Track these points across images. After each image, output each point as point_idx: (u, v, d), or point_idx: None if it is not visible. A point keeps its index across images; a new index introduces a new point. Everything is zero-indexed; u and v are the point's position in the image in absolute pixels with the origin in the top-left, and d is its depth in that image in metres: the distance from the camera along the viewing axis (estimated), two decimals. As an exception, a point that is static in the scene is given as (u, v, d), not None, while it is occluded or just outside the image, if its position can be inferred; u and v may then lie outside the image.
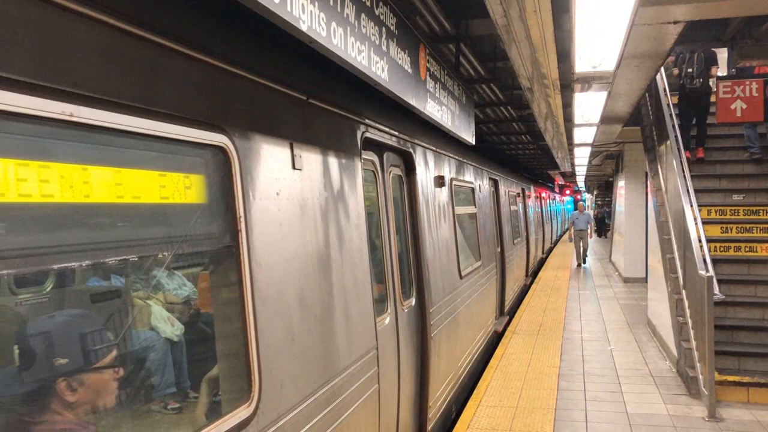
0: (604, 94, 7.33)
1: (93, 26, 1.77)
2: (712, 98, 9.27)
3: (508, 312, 10.95)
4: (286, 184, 2.84)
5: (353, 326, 3.51)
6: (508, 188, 12.31)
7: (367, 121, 4.01)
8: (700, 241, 6.71)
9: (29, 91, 1.54)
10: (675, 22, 4.85)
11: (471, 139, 6.50)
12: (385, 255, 4.41)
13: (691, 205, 7.20)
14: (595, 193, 44.20)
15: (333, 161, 3.43)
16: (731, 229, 8.27)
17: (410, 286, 5.03)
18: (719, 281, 6.61)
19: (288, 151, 2.88)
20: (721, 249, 7.97)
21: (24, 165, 1.56)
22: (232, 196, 2.39)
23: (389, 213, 4.54)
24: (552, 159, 17.81)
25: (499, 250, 10.44)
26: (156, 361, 2.40)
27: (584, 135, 11.44)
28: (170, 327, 2.71)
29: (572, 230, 19.43)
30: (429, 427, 5.05)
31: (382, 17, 3.37)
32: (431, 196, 5.72)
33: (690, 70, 9.30)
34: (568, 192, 43.13)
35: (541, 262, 20.43)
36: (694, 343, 6.55)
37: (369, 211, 4.00)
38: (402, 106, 4.10)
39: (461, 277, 6.74)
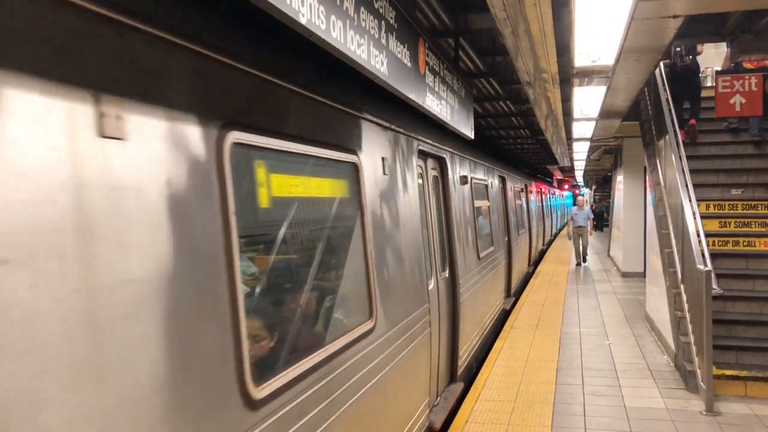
0: (603, 89, 7.33)
1: (317, 106, 3.20)
2: (711, 92, 9.37)
3: (513, 294, 12.17)
4: (381, 185, 4.21)
5: (415, 283, 4.83)
6: (513, 184, 13.59)
7: (419, 137, 5.35)
8: (698, 235, 6.71)
9: (300, 141, 2.93)
10: (674, 17, 4.84)
11: (470, 133, 6.50)
12: (429, 236, 5.66)
13: (690, 200, 7.19)
14: (593, 188, 44.19)
15: (403, 168, 4.79)
16: (729, 224, 8.28)
17: (445, 261, 6.28)
18: (717, 275, 6.62)
19: (381, 162, 4.24)
20: (720, 243, 7.98)
21: (293, 177, 3.10)
22: (360, 193, 3.77)
23: (431, 205, 5.84)
24: (551, 154, 17.81)
25: (506, 239, 11.58)
26: (340, 290, 3.74)
27: (583, 130, 11.44)
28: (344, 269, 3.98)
29: (571, 226, 18.70)
30: (458, 373, 6.43)
31: (381, 10, 3.36)
32: (458, 192, 7.01)
33: (678, 49, 9.51)
34: (566, 187, 43.16)
35: (542, 254, 21.02)
36: (692, 338, 6.56)
37: (420, 203, 5.32)
38: (439, 121, 5.22)
39: (479, 259, 8.03)
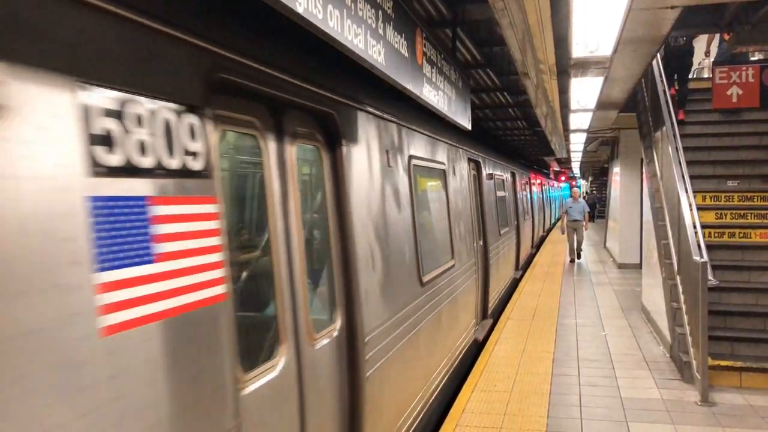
0: (600, 80, 7.31)
1: (431, 140, 6.16)
2: (708, 84, 9.35)
3: (521, 267, 14.75)
4: (453, 182, 6.99)
5: (468, 243, 7.77)
6: (520, 179, 16.13)
7: (466, 148, 8.10)
8: (694, 227, 6.73)
9: (427, 161, 5.94)
10: (672, 7, 4.82)
11: (467, 124, 6.48)
12: (472, 214, 8.20)
13: (686, 192, 7.21)
14: (590, 179, 44.19)
15: (461, 170, 7.66)
16: (726, 215, 8.30)
17: (480, 232, 9.08)
18: (713, 267, 6.63)
19: (453, 167, 7.01)
20: (716, 235, 8.00)
21: (425, 179, 5.96)
22: (446, 186, 6.74)
23: (472, 194, 8.51)
24: (548, 145, 17.77)
25: (516, 222, 14.13)
26: (444, 240, 6.61)
27: (580, 121, 11.42)
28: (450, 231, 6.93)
29: (565, 220, 16.79)
30: (488, 312, 9.34)
31: (378, 0, 3.34)
32: (486, 186, 9.76)
33: None
34: (563, 178, 43.25)
35: (542, 240, 23.52)
36: (687, 329, 6.59)
37: (468, 193, 8.12)
38: (479, 134, 7.74)
39: (500, 235, 10.89)
